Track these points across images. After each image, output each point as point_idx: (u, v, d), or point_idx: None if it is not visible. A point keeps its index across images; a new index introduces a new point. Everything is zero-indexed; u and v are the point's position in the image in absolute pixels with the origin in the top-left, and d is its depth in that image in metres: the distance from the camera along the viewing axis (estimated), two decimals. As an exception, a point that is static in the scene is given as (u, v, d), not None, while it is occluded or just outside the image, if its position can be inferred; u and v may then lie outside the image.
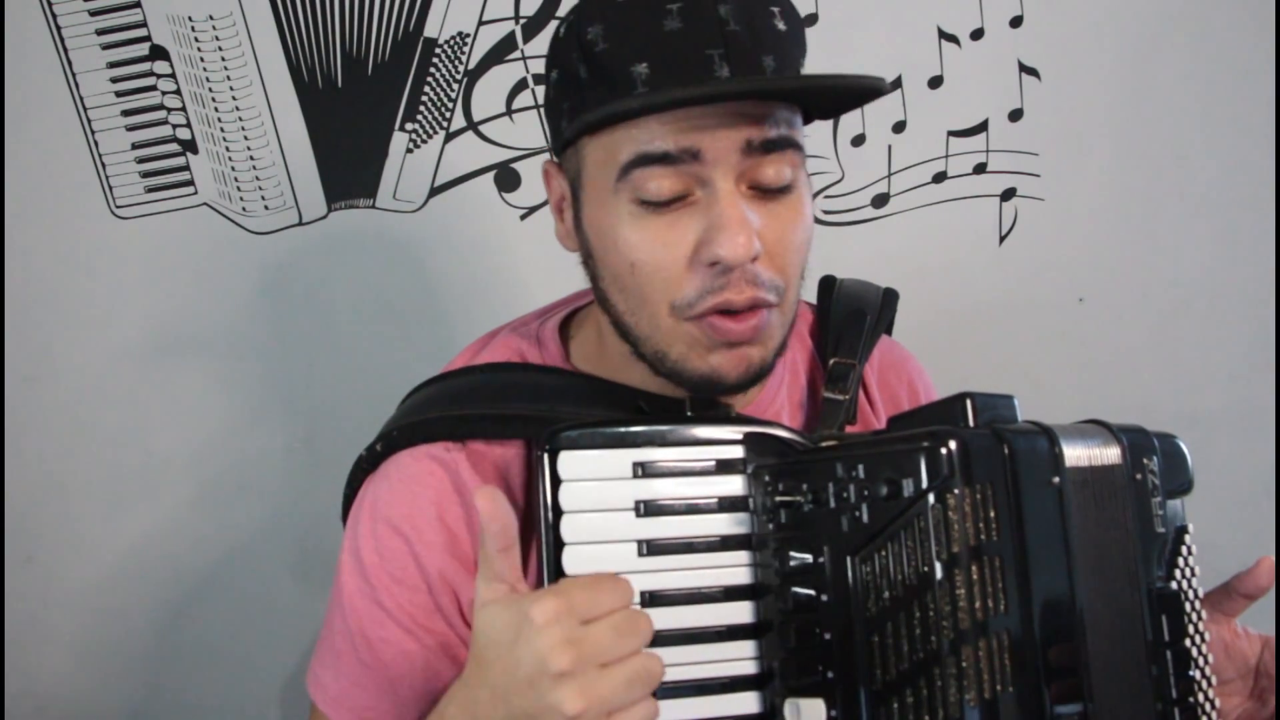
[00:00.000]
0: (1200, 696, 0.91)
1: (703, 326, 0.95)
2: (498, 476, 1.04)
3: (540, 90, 1.75)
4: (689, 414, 1.04)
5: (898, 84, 1.85)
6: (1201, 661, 0.92)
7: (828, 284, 1.25)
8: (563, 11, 1.67)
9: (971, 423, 0.86)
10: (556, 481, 0.90)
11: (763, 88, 0.91)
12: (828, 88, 0.95)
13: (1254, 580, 1.01)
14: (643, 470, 0.92)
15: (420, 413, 1.10)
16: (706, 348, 0.97)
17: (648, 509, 0.92)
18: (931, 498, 0.80)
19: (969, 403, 0.86)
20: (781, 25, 0.95)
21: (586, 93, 0.94)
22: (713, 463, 0.94)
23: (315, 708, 1.07)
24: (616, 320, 1.02)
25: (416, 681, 1.03)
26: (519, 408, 1.06)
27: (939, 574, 0.80)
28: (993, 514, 0.80)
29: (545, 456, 0.90)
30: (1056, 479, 0.85)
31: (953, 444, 0.80)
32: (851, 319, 1.18)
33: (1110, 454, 0.91)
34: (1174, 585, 0.93)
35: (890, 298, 1.25)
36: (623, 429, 0.93)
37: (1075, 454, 0.87)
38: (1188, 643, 0.91)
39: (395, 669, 1.03)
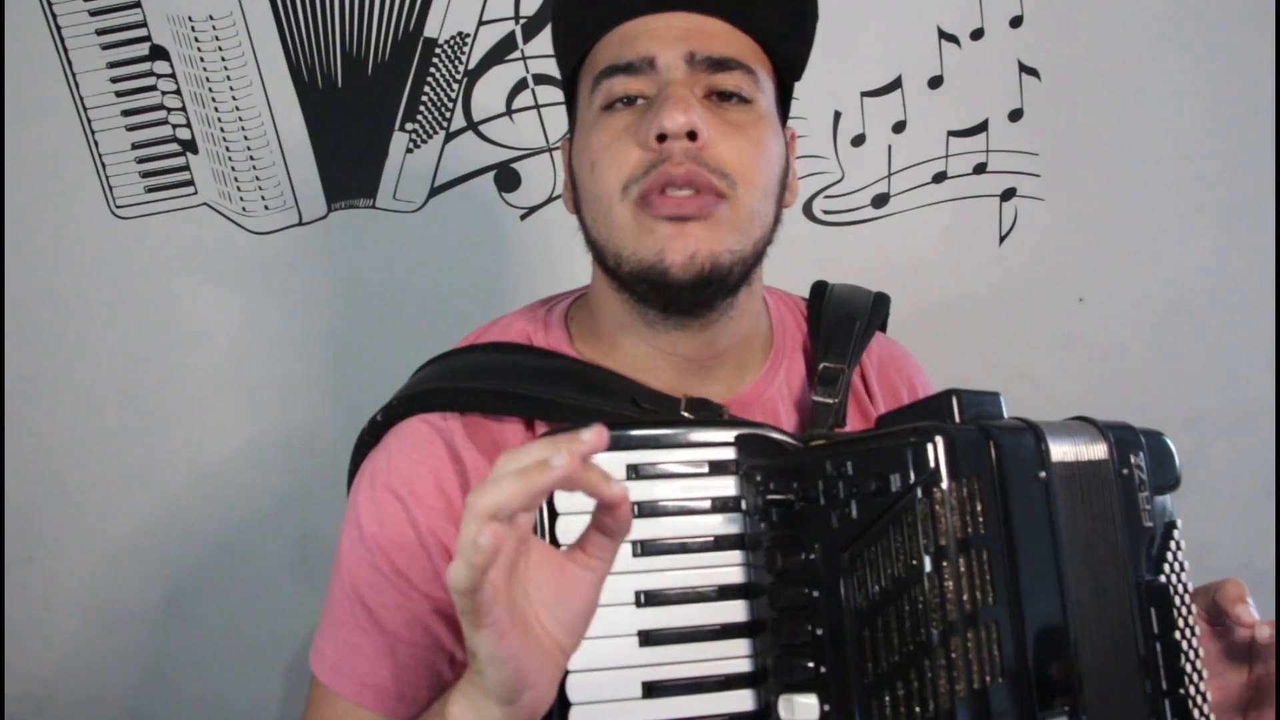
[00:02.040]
0: (1191, 688, 0.91)
1: (645, 206, 1.02)
2: (492, 451, 1.05)
3: (540, 90, 1.75)
4: (683, 413, 1.05)
5: (898, 84, 1.85)
6: (1192, 654, 0.92)
7: (819, 290, 1.27)
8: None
9: (957, 419, 0.87)
10: None
11: None
12: None
13: (1235, 618, 0.97)
14: (636, 473, 0.94)
15: (421, 386, 1.12)
16: (650, 228, 1.01)
17: (642, 510, 0.93)
18: (919, 492, 0.81)
19: (954, 399, 0.87)
20: None
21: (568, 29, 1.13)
22: (705, 465, 0.95)
23: (315, 680, 1.08)
24: (593, 242, 1.09)
25: (416, 647, 1.04)
26: (518, 387, 1.08)
27: (928, 566, 0.80)
28: (979, 507, 0.81)
29: None
30: (1043, 474, 0.85)
31: (939, 439, 0.81)
32: (841, 324, 1.20)
33: (1097, 450, 0.92)
34: (1163, 579, 0.93)
35: (880, 302, 1.26)
36: (617, 432, 0.94)
37: (1061, 449, 0.88)
38: (1177, 635, 0.91)
39: (393, 633, 1.04)
